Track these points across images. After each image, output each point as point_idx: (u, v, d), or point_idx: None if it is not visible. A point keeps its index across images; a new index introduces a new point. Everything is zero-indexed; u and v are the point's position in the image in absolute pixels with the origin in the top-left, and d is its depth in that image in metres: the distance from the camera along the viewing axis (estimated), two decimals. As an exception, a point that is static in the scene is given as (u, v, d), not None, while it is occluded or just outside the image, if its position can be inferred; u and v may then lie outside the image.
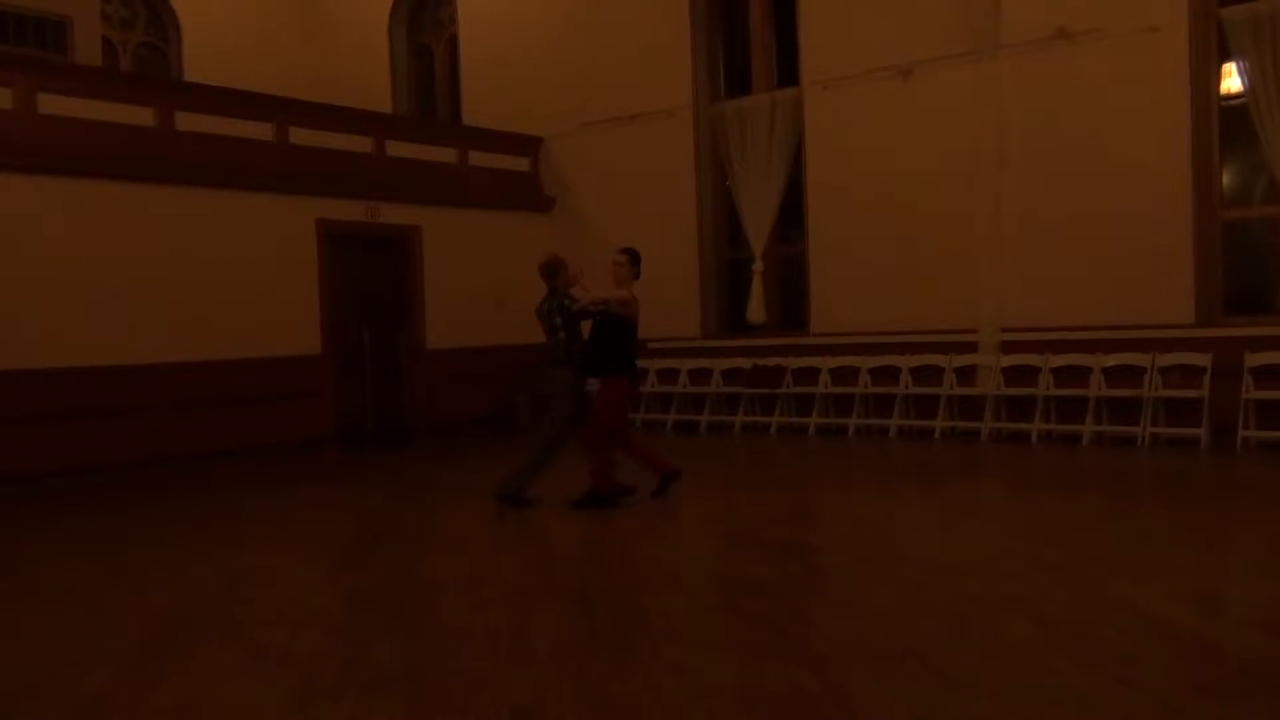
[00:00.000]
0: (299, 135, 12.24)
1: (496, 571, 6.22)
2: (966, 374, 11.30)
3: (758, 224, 12.96)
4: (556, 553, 6.77)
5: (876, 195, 11.81)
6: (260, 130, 11.92)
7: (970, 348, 11.17)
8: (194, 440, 11.00)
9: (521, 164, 14.78)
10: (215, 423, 11.19)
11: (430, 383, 13.25)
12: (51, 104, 10.28)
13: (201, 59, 16.29)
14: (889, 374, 11.79)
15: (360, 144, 12.93)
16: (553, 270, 7.99)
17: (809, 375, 12.35)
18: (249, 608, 5.55)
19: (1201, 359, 9.88)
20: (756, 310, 12.91)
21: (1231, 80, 10.13)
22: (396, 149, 13.32)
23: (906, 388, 11.57)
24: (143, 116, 10.93)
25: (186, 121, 11.26)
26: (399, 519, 8.14)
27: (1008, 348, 10.99)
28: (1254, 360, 9.61)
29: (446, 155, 13.93)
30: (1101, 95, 10.39)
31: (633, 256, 7.95)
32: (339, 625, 5.33)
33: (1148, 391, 10.07)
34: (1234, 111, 10.14)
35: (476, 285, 13.70)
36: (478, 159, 14.24)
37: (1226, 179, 10.52)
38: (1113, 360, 10.38)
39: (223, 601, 5.65)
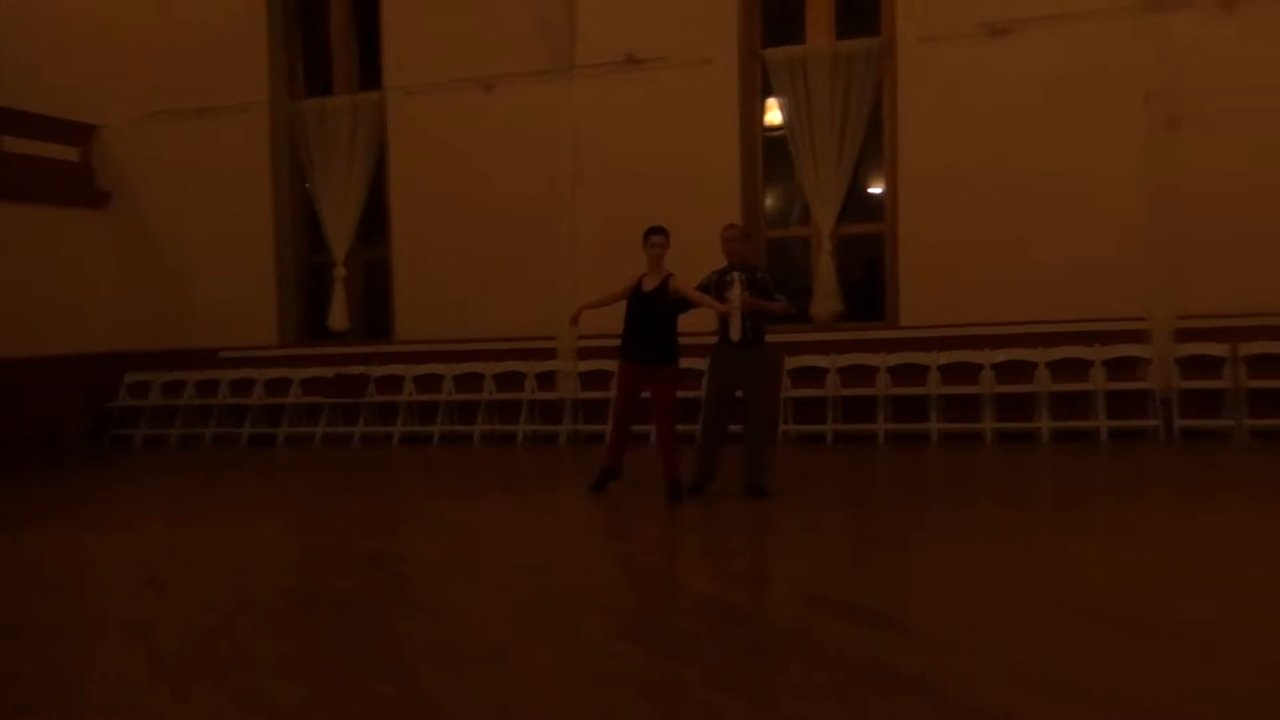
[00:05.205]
0: None
1: (31, 609, 5.51)
2: (546, 379, 11.72)
3: (339, 227, 12.61)
4: (110, 582, 6.13)
5: (460, 203, 11.93)
6: None
7: (550, 354, 11.60)
8: None
9: (69, 153, 13.29)
10: None
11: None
12: None
13: None
14: (473, 381, 11.93)
15: None
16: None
17: (393, 383, 12.20)
18: None
19: (751, 363, 10.96)
20: (338, 317, 12.56)
21: (774, 114, 11.39)
22: (-97, 127, 11.47)
23: (490, 394, 11.78)
24: None
25: None
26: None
27: (584, 354, 11.51)
28: (791, 364, 10.83)
29: (-29, 139, 12.22)
30: (664, 120, 11.20)
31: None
32: None
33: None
34: (775, 142, 11.39)
35: (14, 289, 12.09)
36: (13, 145, 12.57)
37: (770, 202, 11.79)
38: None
39: None
